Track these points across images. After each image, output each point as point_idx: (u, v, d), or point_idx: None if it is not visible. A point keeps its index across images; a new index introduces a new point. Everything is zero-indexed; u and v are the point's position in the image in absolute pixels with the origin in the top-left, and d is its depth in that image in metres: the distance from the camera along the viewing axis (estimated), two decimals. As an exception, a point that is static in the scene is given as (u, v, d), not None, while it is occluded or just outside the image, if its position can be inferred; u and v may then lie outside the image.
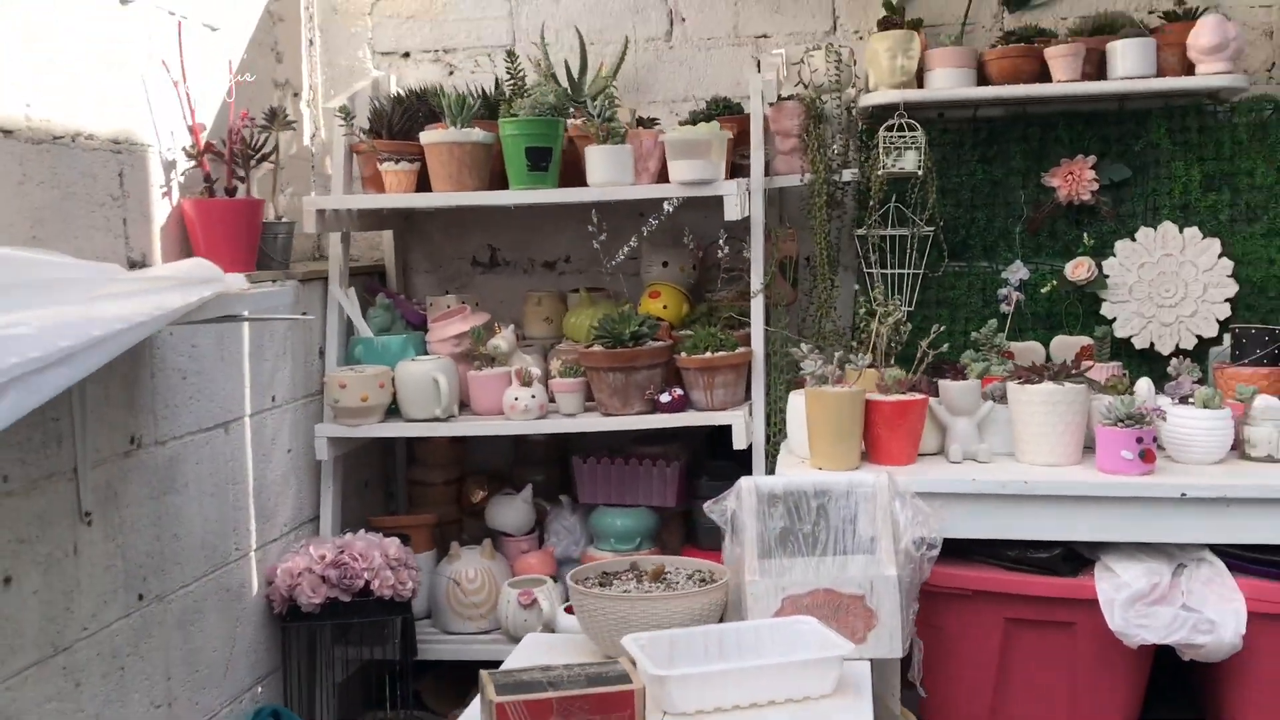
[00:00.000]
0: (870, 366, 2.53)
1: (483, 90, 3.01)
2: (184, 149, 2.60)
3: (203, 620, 2.42)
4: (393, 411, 2.91)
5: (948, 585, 2.38)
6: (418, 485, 3.24)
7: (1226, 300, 2.92)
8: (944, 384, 2.56)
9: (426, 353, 2.97)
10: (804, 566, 2.26)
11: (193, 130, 2.59)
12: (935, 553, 2.23)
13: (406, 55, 3.33)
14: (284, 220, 2.87)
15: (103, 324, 1.50)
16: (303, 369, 2.88)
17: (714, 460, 3.09)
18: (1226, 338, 2.84)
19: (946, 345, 2.60)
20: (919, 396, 2.49)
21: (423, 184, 2.91)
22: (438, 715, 2.94)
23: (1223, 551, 2.34)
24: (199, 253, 2.59)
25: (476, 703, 2.05)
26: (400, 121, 2.99)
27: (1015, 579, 2.40)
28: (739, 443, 2.73)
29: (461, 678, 3.05)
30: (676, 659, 2.01)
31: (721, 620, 2.21)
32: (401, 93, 3.12)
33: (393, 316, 3.09)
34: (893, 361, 2.64)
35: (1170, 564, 2.33)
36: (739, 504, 2.31)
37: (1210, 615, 2.24)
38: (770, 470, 2.73)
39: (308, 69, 3.29)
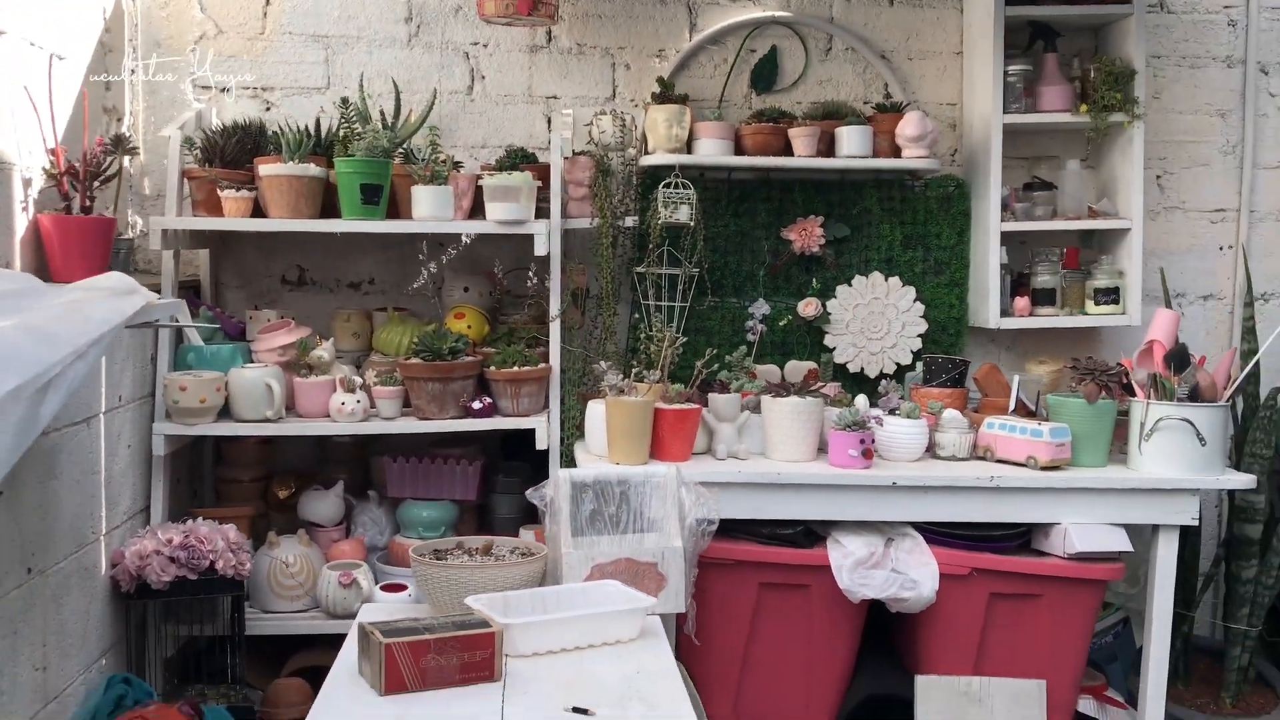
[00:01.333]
0: (657, 382, 3.08)
1: (309, 129, 3.36)
2: (43, 168, 2.85)
3: (69, 595, 2.68)
4: (223, 413, 3.21)
5: (715, 556, 2.95)
6: (226, 482, 3.53)
7: (919, 335, 3.67)
8: (712, 396, 3.15)
9: (252, 361, 3.30)
10: (609, 541, 2.79)
11: (55, 152, 2.84)
12: (713, 529, 2.81)
13: (225, 90, 3.63)
14: (124, 237, 3.13)
15: (97, 325, 1.84)
16: (140, 373, 3.14)
17: (507, 460, 3.58)
18: (919, 365, 3.59)
19: (716, 365, 3.20)
20: (694, 406, 3.07)
21: (255, 209, 3.25)
22: (253, 687, 3.25)
23: (921, 527, 3.04)
24: (55, 264, 2.85)
25: (344, 654, 2.44)
26: (232, 152, 3.31)
27: (767, 551, 3.01)
28: (541, 444, 3.22)
29: (269, 654, 3.38)
30: (510, 614, 2.48)
31: (542, 585, 2.70)
32: (224, 124, 3.43)
33: (214, 327, 3.39)
34: (666, 378, 3.21)
35: (883, 537, 3.00)
36: (556, 491, 2.81)
37: (913, 576, 2.93)
38: (565, 466, 3.23)
39: (130, 97, 3.54)
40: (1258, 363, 3.34)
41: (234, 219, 3.20)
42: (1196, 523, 3.06)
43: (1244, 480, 3.06)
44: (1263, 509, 3.43)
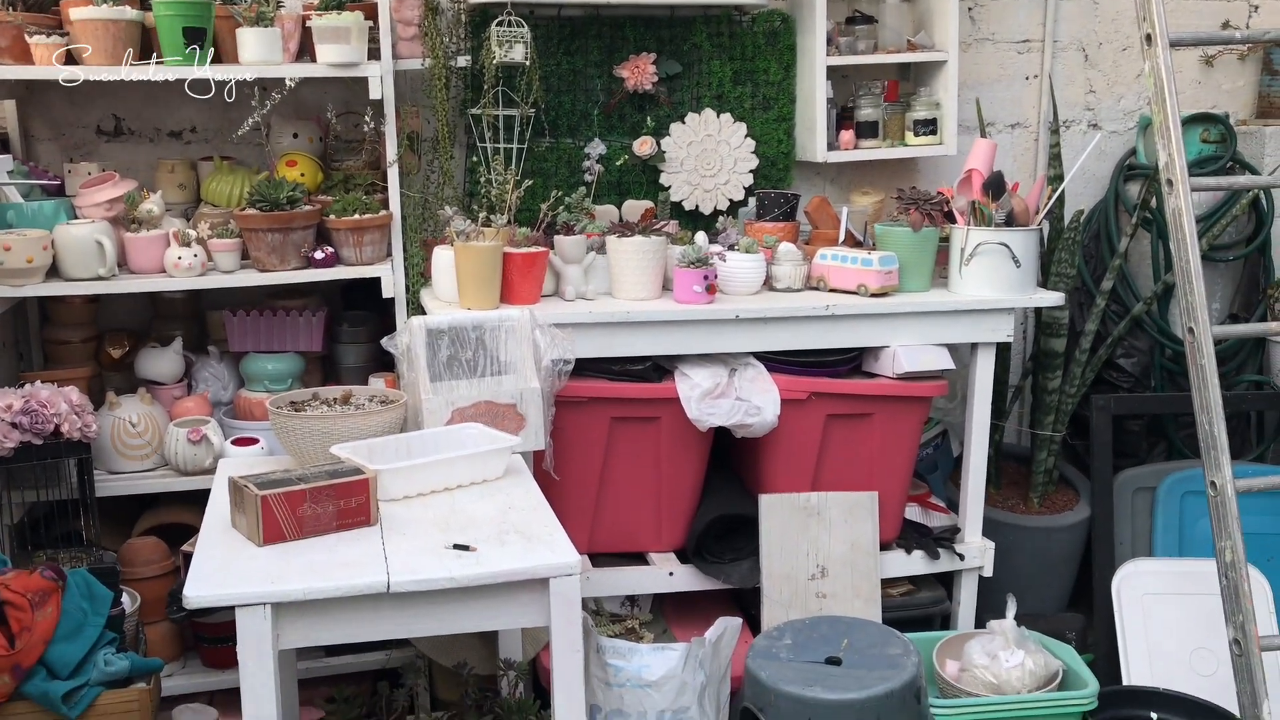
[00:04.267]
0: (505, 226, 3.10)
1: (120, -32, 3.17)
2: None
3: (-92, 469, 2.59)
4: (50, 273, 3.09)
5: (569, 395, 3.04)
6: (54, 344, 3.41)
7: (750, 171, 3.77)
8: (558, 239, 3.19)
9: (77, 217, 3.16)
10: (467, 385, 2.84)
11: None
12: (569, 368, 2.89)
13: (17, -76, 3.37)
14: (-76, 89, 2.93)
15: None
16: (-45, 234, 2.98)
17: (349, 310, 3.56)
18: (752, 201, 3.70)
19: (562, 209, 3.23)
20: (542, 250, 3.11)
21: (68, 57, 3.07)
22: (106, 549, 3.22)
23: (762, 357, 3.19)
24: None
25: (212, 509, 2.45)
26: (35, -6, 3.10)
27: (617, 387, 3.11)
28: (388, 292, 3.21)
29: (116, 515, 3.34)
30: (376, 461, 2.52)
31: (404, 431, 2.74)
32: (22, -37, 3.20)
33: (31, 183, 3.23)
34: (507, 219, 3.23)
35: (727, 368, 3.14)
36: (412, 338, 2.84)
37: (756, 403, 3.08)
38: (412, 313, 3.24)
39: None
40: (1063, 189, 3.56)
41: (46, 67, 3.01)
42: (1011, 340, 3.30)
43: (1053, 298, 3.31)
44: (1066, 324, 3.72)
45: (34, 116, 3.47)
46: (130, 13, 3.02)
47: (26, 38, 3.01)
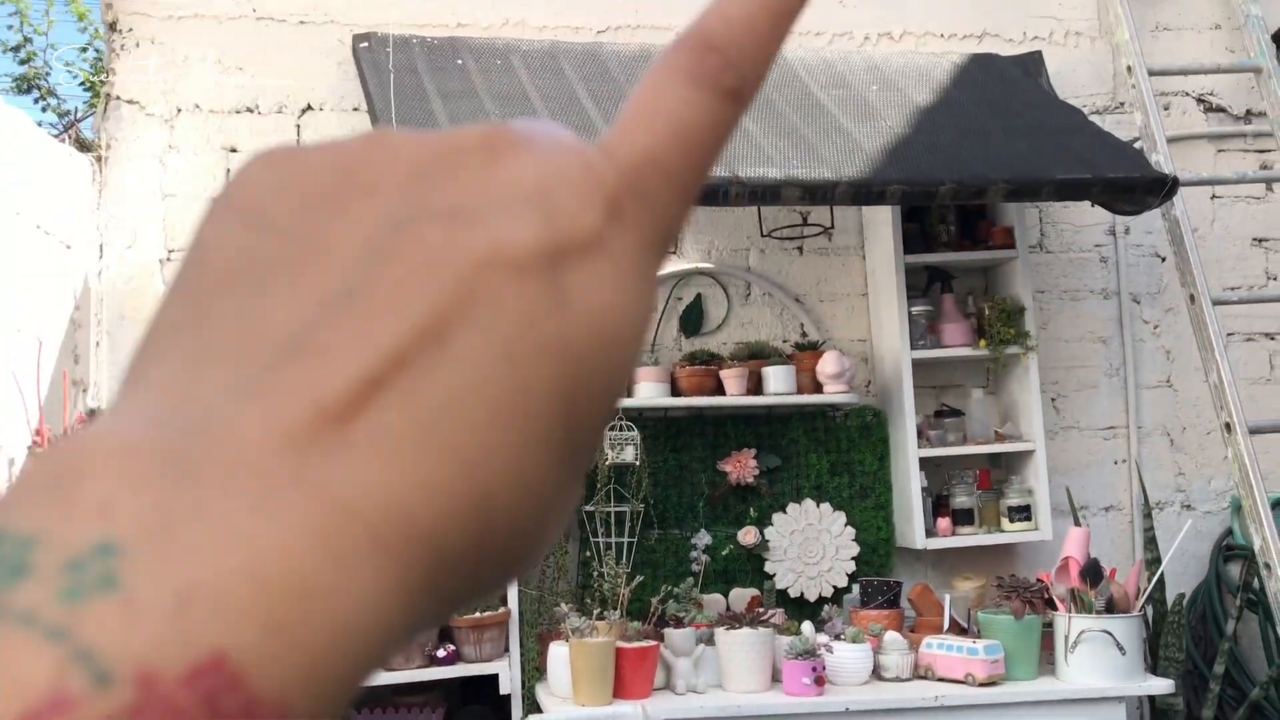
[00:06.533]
0: (617, 621, 3.25)
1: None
2: (27, 448, 2.99)
3: None
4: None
5: (682, 791, 3.08)
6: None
7: (852, 558, 3.91)
8: (668, 632, 3.32)
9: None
10: (583, 782, 2.90)
11: (39, 433, 2.99)
12: (683, 764, 2.94)
13: (185, 354, 3.81)
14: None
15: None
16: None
17: (466, 704, 3.67)
18: (856, 587, 3.81)
19: (671, 600, 3.39)
20: (654, 644, 3.24)
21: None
22: None
23: (874, 749, 3.21)
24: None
25: None
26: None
27: (731, 782, 3.14)
28: (505, 688, 3.34)
29: None
30: None
31: (521, 832, 2.79)
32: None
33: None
34: (620, 613, 3.38)
35: (839, 761, 3.16)
36: (530, 736, 2.93)
37: (871, 797, 3.08)
38: (528, 709, 3.34)
39: (94, 367, 3.70)
40: (1162, 572, 3.62)
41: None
42: (1125, 728, 3.28)
43: (1163, 685, 3.30)
44: (1182, 710, 3.67)
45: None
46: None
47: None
